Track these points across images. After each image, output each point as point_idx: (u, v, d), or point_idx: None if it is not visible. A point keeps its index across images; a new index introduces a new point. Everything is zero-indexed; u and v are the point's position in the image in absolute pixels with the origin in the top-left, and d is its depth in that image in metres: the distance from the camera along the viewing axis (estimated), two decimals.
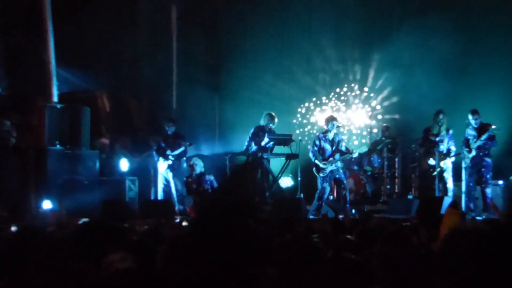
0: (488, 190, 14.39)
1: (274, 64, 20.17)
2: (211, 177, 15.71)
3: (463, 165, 14.53)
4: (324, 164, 14.51)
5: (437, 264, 3.48)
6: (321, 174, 14.61)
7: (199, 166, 15.77)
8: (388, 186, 16.61)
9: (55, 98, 15.87)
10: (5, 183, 14.93)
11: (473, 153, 14.32)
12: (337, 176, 14.63)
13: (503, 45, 18.00)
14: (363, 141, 18.24)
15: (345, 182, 14.77)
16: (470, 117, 14.45)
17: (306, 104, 19.76)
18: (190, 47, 20.00)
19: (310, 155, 14.85)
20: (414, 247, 5.21)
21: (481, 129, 14.34)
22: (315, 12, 20.12)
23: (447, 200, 13.48)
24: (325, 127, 14.92)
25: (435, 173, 14.85)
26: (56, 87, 15.99)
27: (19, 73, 15.96)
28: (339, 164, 14.65)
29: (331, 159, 14.48)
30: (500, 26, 18.05)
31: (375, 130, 18.09)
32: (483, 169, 14.42)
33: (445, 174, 14.90)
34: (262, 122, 15.82)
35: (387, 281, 4.79)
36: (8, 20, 16.12)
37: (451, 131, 14.96)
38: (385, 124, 17.56)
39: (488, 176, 14.43)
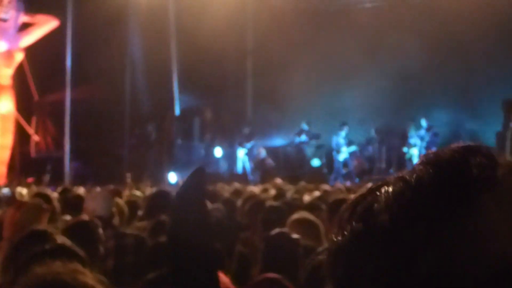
0: None
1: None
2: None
3: None
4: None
5: None
6: None
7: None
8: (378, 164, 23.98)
9: (177, 112, 25.23)
10: (149, 163, 24.38)
11: None
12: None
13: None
14: None
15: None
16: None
17: None
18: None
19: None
20: None
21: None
22: None
23: None
24: None
25: (407, 156, 23.38)
26: (178, 105, 25.36)
27: (154, 98, 25.39)
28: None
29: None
30: None
31: None
32: None
33: None
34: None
35: None
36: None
37: None
38: None
39: None
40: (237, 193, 10.85)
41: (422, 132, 22.60)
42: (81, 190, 13.02)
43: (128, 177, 16.44)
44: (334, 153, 23.67)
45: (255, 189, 13.25)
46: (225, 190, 12.56)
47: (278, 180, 16.64)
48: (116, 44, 24.06)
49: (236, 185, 15.13)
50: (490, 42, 23.23)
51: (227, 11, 23.86)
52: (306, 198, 10.78)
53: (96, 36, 23.25)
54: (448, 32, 23.82)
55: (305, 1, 27.12)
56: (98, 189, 12.75)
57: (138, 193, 12.85)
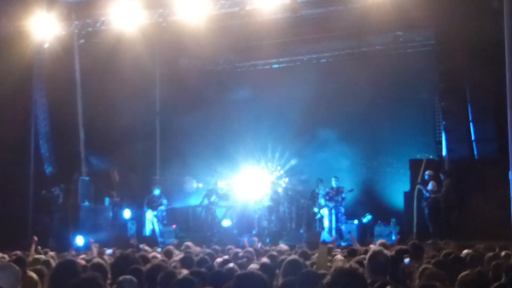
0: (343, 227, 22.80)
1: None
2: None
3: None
4: None
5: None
6: None
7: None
8: (288, 225, 23.52)
9: (84, 174, 24.43)
10: (55, 226, 23.58)
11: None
12: None
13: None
14: None
15: None
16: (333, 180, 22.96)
17: None
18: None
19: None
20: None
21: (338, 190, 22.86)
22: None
23: (323, 233, 21.86)
24: None
25: (317, 216, 23.32)
26: (85, 166, 24.57)
27: (61, 159, 24.64)
28: None
29: None
30: None
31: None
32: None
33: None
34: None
35: None
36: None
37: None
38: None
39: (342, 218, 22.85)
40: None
41: (331, 193, 22.59)
42: None
43: (34, 242, 15.75)
44: None
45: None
46: None
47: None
48: (20, 105, 23.47)
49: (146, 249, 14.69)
50: (393, 105, 23.75)
51: (135, 71, 23.59)
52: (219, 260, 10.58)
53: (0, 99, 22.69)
54: (352, 97, 24.23)
55: (212, 63, 27.28)
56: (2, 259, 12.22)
57: (42, 257, 12.33)
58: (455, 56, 20.18)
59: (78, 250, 18.33)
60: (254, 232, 23.15)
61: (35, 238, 15.47)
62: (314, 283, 6.94)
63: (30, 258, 12.15)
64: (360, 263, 7.75)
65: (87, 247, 18.39)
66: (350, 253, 11.79)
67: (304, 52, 26.45)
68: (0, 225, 22.20)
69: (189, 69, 26.15)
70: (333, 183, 22.65)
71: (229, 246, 14.57)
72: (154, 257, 11.19)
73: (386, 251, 7.44)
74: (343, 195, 22.42)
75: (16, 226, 22.68)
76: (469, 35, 19.42)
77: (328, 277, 5.44)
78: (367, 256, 7.20)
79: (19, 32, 22.53)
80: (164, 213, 23.96)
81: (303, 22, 22.45)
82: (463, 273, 7.32)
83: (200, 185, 25.08)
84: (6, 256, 12.96)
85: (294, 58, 27.10)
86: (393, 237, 20.48)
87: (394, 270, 7.76)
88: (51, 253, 14.24)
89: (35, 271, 8.93)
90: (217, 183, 24.32)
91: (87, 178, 24.00)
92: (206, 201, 24.03)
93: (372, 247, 8.59)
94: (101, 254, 13.43)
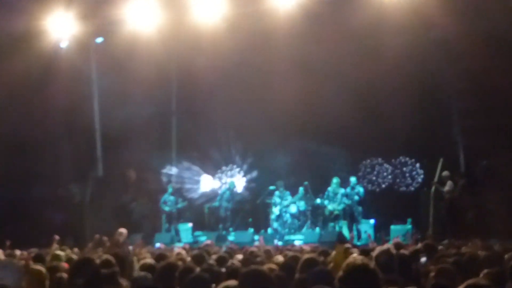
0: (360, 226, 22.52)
1: None
2: None
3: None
4: None
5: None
6: None
7: None
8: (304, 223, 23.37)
9: (100, 172, 24.63)
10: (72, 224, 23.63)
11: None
12: None
13: None
14: None
15: None
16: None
17: None
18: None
19: None
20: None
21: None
22: None
23: (339, 232, 21.80)
24: None
25: (332, 215, 23.21)
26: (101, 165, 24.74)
27: (77, 158, 24.70)
28: None
29: None
30: None
31: None
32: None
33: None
34: None
35: None
36: None
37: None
38: None
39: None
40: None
41: (348, 192, 22.64)
42: None
43: (55, 240, 16.02)
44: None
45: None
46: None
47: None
48: (37, 103, 23.60)
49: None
50: (410, 105, 23.57)
51: (152, 70, 23.68)
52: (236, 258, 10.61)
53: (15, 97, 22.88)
54: (368, 96, 24.08)
55: (228, 62, 27.15)
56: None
57: (62, 253, 12.26)
58: (473, 56, 20.12)
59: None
60: (270, 230, 23.26)
61: (56, 237, 15.72)
62: (326, 281, 6.97)
63: (49, 255, 12.30)
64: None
65: None
66: (364, 251, 11.79)
67: (319, 51, 26.27)
68: (20, 224, 22.24)
69: (205, 68, 26.17)
70: (350, 183, 22.65)
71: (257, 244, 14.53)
72: (178, 253, 11.27)
73: (392, 250, 7.47)
74: (359, 193, 22.38)
75: (35, 224, 22.72)
76: (488, 34, 19.39)
77: (341, 272, 5.46)
78: (373, 254, 7.23)
79: (36, 30, 22.66)
80: (180, 211, 24.07)
81: (319, 21, 22.37)
82: (485, 271, 7.23)
83: (216, 182, 25.18)
84: (25, 253, 13.18)
85: (310, 57, 26.92)
86: (409, 237, 20.49)
87: (407, 269, 7.79)
88: (74, 250, 14.73)
89: (52, 267, 8.98)
90: (233, 182, 24.42)
91: (103, 177, 24.14)
92: (223, 200, 24.09)
93: (381, 246, 8.63)
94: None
